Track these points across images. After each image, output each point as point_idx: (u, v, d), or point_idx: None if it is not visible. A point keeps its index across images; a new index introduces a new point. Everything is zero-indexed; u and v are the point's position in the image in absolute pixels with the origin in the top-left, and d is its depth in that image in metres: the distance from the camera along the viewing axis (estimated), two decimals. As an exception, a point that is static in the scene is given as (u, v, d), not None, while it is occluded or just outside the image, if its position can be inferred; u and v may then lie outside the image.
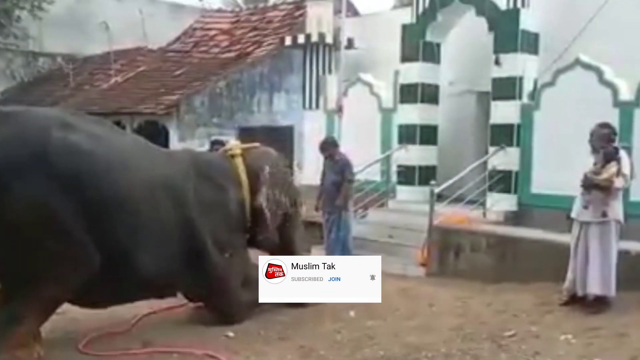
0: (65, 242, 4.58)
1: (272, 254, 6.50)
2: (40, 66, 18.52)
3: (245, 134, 11.56)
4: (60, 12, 17.22)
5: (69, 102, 14.69)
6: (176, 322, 5.82)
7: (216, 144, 8.09)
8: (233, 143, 6.29)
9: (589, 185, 5.98)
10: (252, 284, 5.79)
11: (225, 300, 5.69)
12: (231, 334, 5.44)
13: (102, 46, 17.05)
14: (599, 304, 6.03)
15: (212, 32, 16.13)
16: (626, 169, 6.04)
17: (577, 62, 8.54)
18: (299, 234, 6.57)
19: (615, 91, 8.20)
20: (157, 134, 11.40)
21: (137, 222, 4.97)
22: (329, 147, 8.66)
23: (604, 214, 5.99)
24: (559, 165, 7.89)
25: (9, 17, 16.96)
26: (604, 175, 5.94)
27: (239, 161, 5.92)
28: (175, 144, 11.86)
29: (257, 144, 6.39)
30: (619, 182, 5.97)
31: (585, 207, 6.03)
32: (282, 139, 11.65)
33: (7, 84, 17.71)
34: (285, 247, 6.23)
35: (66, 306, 5.08)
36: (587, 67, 8.46)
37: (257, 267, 6.05)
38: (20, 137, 4.55)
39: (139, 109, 12.68)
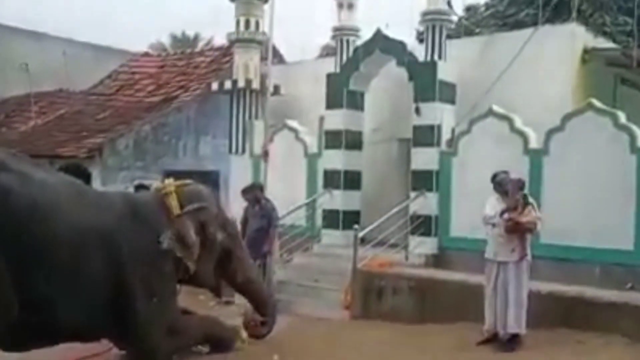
0: None
1: (211, 290, 6.44)
2: (-45, 107, 17.79)
3: (171, 178, 11.43)
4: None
5: (-16, 144, 14.14)
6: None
7: (140, 188, 7.97)
8: (167, 181, 6.18)
9: (514, 229, 6.27)
10: (176, 331, 5.73)
11: (145, 346, 5.55)
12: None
13: (22, 88, 16.57)
14: (512, 342, 6.29)
15: (138, 76, 16.03)
16: (539, 213, 6.45)
17: (490, 112, 9.03)
18: (243, 265, 6.39)
19: (525, 139, 8.71)
20: (79, 178, 11.10)
21: (62, 268, 4.86)
22: (254, 190, 8.73)
23: (523, 254, 6.31)
24: (475, 210, 8.20)
25: None
26: (528, 218, 6.29)
27: (172, 199, 5.82)
28: (98, 187, 11.58)
29: (189, 181, 6.30)
30: (539, 225, 6.38)
31: (513, 250, 6.31)
32: (207, 183, 11.58)
33: None
34: (232, 281, 6.26)
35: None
36: (500, 116, 8.95)
37: (183, 315, 6.00)
38: None
39: (59, 152, 12.36)
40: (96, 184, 11.81)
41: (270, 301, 6.84)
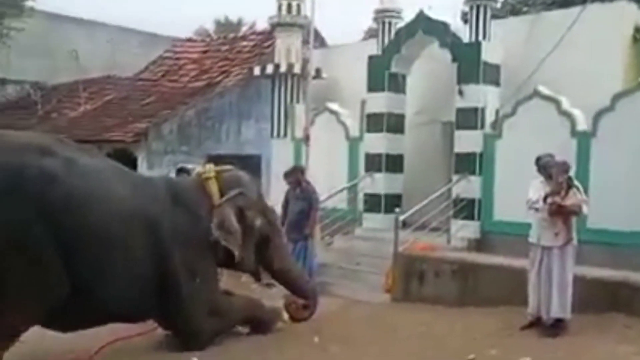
0: (34, 270, 4.58)
1: (251, 274, 6.52)
2: (8, 93, 18.39)
3: (214, 162, 11.55)
4: (29, 40, 17.15)
5: (36, 130, 14.58)
6: (140, 348, 5.79)
7: (181, 172, 8.10)
8: (207, 166, 6.29)
9: (557, 212, 6.15)
10: (218, 312, 5.84)
11: (188, 327, 5.69)
12: (195, 360, 5.42)
13: (71, 74, 17.00)
14: (556, 327, 6.17)
15: (182, 61, 16.23)
16: (584, 196, 6.29)
17: (536, 93, 8.81)
18: (280, 252, 6.45)
19: (572, 121, 8.47)
20: (126, 163, 11.37)
21: (109, 251, 5.00)
22: (296, 172, 8.76)
23: (568, 239, 6.18)
24: (519, 193, 8.05)
25: (-24, 45, 16.86)
26: (572, 200, 6.15)
27: (212, 184, 5.93)
28: (143, 171, 11.83)
29: (230, 167, 6.39)
30: (585, 208, 6.22)
31: (557, 235, 6.19)
32: (250, 167, 11.70)
33: (-27, 111, 17.54)
34: (268, 268, 6.30)
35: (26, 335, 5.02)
36: (546, 98, 8.73)
37: (225, 297, 6.10)
38: None
39: (107, 136, 12.66)
40: (142, 168, 12.08)
41: (307, 288, 6.82)
